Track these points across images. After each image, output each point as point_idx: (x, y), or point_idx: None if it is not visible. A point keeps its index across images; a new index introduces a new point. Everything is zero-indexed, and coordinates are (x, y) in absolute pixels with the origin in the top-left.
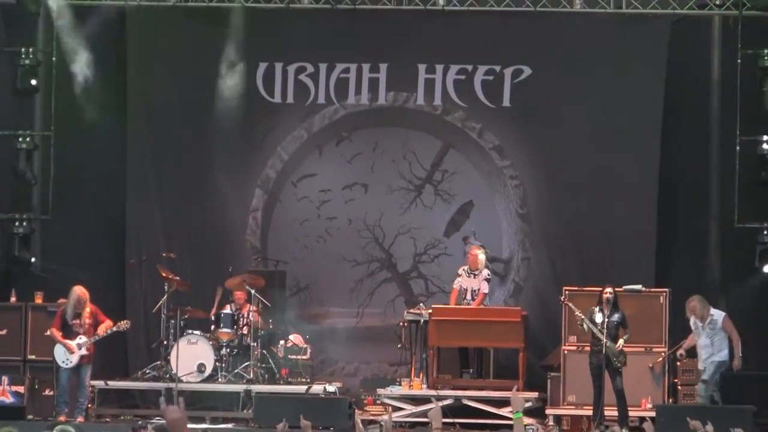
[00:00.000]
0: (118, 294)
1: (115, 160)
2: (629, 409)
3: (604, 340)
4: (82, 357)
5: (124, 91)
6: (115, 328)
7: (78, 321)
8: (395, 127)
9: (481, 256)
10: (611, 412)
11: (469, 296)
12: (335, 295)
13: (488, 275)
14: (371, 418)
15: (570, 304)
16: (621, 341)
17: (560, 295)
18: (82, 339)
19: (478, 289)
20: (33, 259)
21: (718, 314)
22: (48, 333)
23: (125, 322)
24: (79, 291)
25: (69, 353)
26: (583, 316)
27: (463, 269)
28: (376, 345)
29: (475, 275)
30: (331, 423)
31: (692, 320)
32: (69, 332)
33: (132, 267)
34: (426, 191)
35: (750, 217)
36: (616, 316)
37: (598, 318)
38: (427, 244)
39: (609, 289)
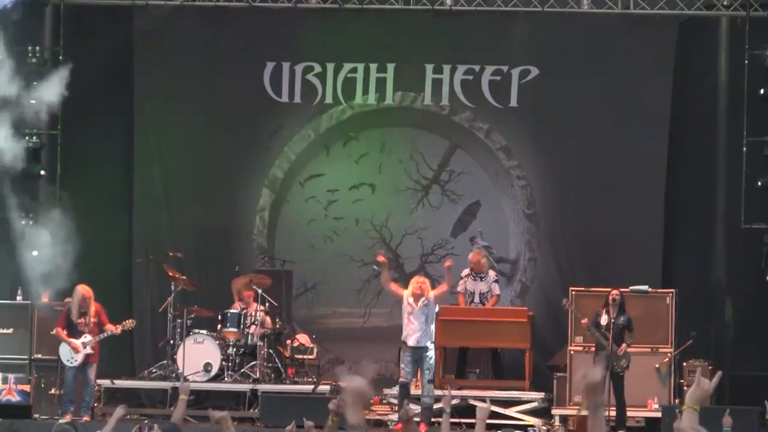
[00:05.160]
0: (124, 293)
1: (122, 159)
2: (635, 409)
3: (610, 343)
4: (87, 356)
5: (131, 90)
6: (120, 327)
7: (83, 320)
8: (402, 127)
9: (484, 260)
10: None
11: (477, 299)
12: (342, 295)
13: (496, 276)
14: (377, 417)
15: (574, 310)
16: (624, 345)
17: (566, 295)
18: (87, 338)
19: (488, 292)
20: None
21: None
22: (53, 332)
23: (130, 321)
24: (82, 290)
25: (74, 352)
26: (589, 324)
27: (467, 272)
28: (382, 345)
29: (481, 278)
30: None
31: (405, 299)
32: (74, 331)
33: (139, 266)
34: (433, 191)
35: (756, 218)
36: (621, 319)
37: (603, 320)
38: (434, 245)
39: (616, 291)
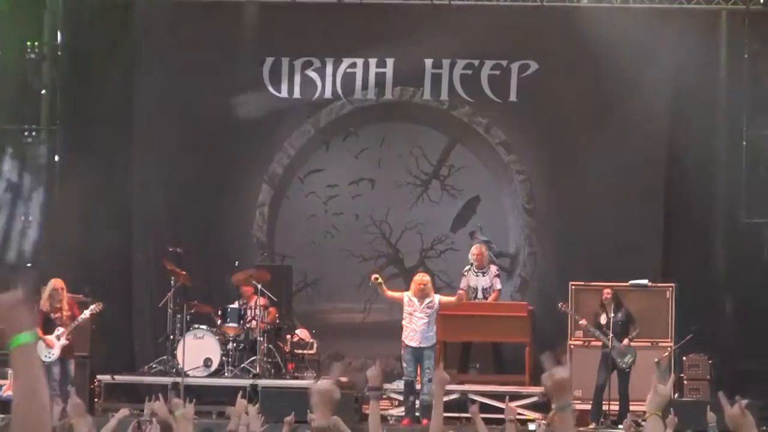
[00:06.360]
0: (124, 289)
1: (121, 154)
2: (635, 404)
3: (610, 343)
4: (64, 349)
5: (131, 86)
6: (88, 312)
7: (59, 314)
8: (402, 122)
9: (487, 253)
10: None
11: (480, 294)
12: (342, 291)
13: (497, 271)
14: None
15: (571, 312)
16: (626, 340)
17: (566, 290)
18: (59, 330)
19: (490, 287)
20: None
21: (435, 297)
22: None
23: (97, 304)
24: (54, 282)
25: (49, 348)
26: (587, 325)
27: (469, 269)
28: (382, 340)
29: (483, 273)
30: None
31: (407, 298)
32: (50, 326)
33: (139, 262)
34: (433, 186)
35: (757, 212)
36: (619, 315)
37: (603, 319)
38: (433, 240)
39: (607, 290)
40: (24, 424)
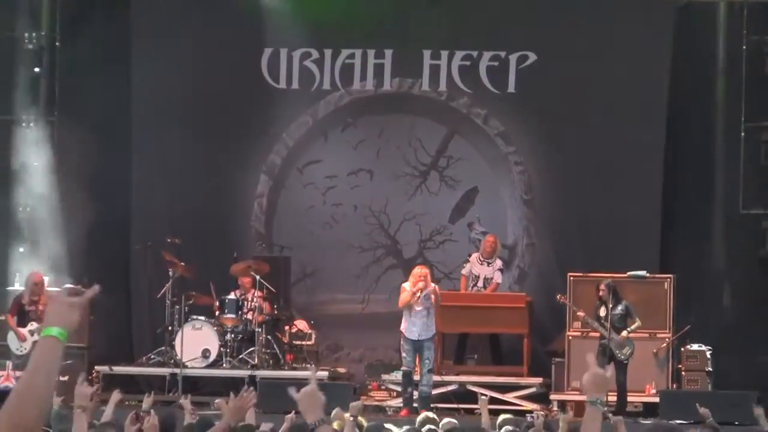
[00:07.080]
0: (123, 279)
1: (119, 145)
2: (633, 394)
3: (608, 335)
4: (35, 343)
5: (129, 77)
6: None
7: (34, 307)
8: (400, 114)
9: (499, 245)
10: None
11: (480, 283)
12: (341, 282)
13: (501, 265)
14: (375, 403)
15: (569, 304)
16: (625, 332)
17: (565, 281)
18: (34, 325)
19: (492, 278)
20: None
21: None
22: (3, 318)
23: None
24: (34, 276)
25: (21, 342)
26: (585, 316)
27: (476, 256)
28: (381, 331)
29: (488, 263)
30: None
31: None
32: (25, 319)
33: (137, 253)
34: (431, 177)
35: (755, 203)
36: (618, 308)
37: (602, 312)
38: (432, 231)
39: (602, 286)
40: (21, 397)
